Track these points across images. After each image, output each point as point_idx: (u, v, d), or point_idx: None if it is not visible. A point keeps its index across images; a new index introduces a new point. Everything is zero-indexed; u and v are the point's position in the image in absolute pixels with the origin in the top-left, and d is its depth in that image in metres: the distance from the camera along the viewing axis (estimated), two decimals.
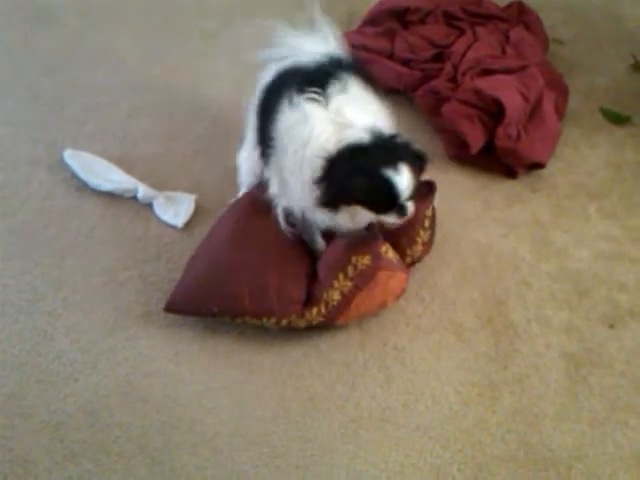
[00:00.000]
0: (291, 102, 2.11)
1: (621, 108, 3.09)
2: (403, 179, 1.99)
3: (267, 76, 2.29)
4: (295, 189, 2.13)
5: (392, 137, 2.06)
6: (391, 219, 2.08)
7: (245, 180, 2.50)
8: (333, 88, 2.10)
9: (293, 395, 2.13)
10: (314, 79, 2.13)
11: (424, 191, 2.38)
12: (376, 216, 2.09)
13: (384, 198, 2.03)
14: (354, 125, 2.04)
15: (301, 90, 2.10)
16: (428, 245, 2.44)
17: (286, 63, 2.25)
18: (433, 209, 2.42)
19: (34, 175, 2.72)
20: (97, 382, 2.15)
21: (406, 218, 2.08)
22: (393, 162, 1.98)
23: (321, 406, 2.10)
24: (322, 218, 2.15)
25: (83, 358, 2.20)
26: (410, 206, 2.06)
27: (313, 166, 2.01)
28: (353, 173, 1.99)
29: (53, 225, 2.55)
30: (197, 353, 2.22)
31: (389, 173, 1.98)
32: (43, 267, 2.42)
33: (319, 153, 2.00)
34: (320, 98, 2.09)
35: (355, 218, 2.12)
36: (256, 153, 2.37)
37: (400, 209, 2.05)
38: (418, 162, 2.06)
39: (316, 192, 2.02)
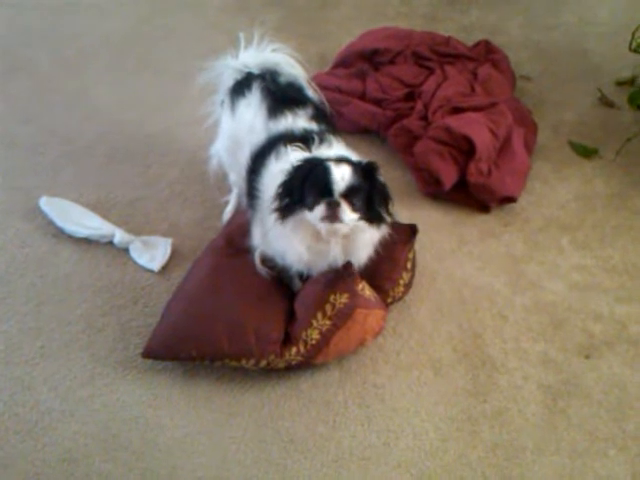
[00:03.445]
0: (278, 155, 2.19)
1: (589, 141, 3.17)
2: (339, 170, 2.02)
3: (257, 142, 2.33)
4: (273, 231, 2.15)
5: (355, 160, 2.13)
6: (320, 213, 2.02)
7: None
8: (319, 145, 2.20)
9: (274, 437, 2.12)
10: (301, 139, 2.22)
11: (406, 234, 2.41)
12: (309, 213, 2.05)
13: (317, 184, 2.03)
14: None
15: (288, 145, 2.19)
16: (409, 286, 2.46)
17: (276, 131, 2.31)
18: (414, 251, 2.45)
19: (10, 223, 2.72)
20: (76, 430, 2.13)
21: (338, 222, 2.03)
22: (338, 161, 2.06)
23: (302, 447, 2.10)
24: (289, 254, 2.18)
25: (61, 406, 2.18)
26: (346, 209, 2.02)
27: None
28: (302, 167, 2.08)
29: (29, 273, 2.54)
30: (176, 398, 2.21)
31: (328, 163, 2.04)
32: (19, 316, 2.41)
33: (285, 168, 2.09)
34: (305, 149, 2.18)
35: (312, 239, 2.12)
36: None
37: (331, 204, 2.01)
38: (366, 171, 2.09)
39: (274, 203, 2.09)
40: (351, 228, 2.08)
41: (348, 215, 2.03)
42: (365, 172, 2.08)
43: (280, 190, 2.08)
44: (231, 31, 2.65)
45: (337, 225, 2.05)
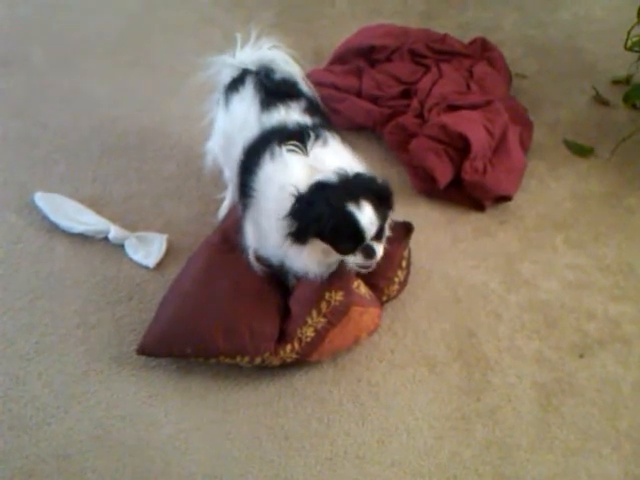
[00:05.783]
0: (272, 154, 2.14)
1: (584, 140, 3.17)
2: (366, 215, 1.98)
3: (250, 136, 2.30)
4: (270, 234, 2.13)
5: (355, 175, 2.06)
6: (359, 260, 2.06)
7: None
8: (314, 143, 2.15)
9: (268, 434, 2.13)
10: (295, 136, 2.17)
11: (401, 233, 2.41)
12: (343, 257, 2.07)
13: (348, 235, 2.01)
14: (327, 169, 2.07)
15: (282, 144, 2.14)
16: (404, 284, 2.47)
17: (269, 125, 2.28)
18: (409, 249, 2.46)
19: (4, 218, 2.71)
20: (70, 426, 2.13)
21: (375, 261, 2.06)
22: (356, 199, 1.98)
23: (296, 444, 2.10)
24: (295, 264, 2.16)
25: (56, 402, 2.18)
26: (378, 248, 2.04)
27: (285, 204, 2.03)
28: (317, 205, 2.00)
29: (23, 268, 2.54)
30: (171, 394, 2.21)
31: (352, 209, 1.98)
32: (13, 311, 2.41)
33: (291, 191, 2.02)
34: (300, 149, 2.13)
35: (323, 255, 2.10)
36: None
37: (367, 250, 2.03)
38: (382, 197, 2.06)
39: (285, 227, 2.03)
40: None
41: (381, 249, 2.05)
42: (381, 197, 2.06)
43: (292, 219, 2.02)
44: (225, 26, 2.64)
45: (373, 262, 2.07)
